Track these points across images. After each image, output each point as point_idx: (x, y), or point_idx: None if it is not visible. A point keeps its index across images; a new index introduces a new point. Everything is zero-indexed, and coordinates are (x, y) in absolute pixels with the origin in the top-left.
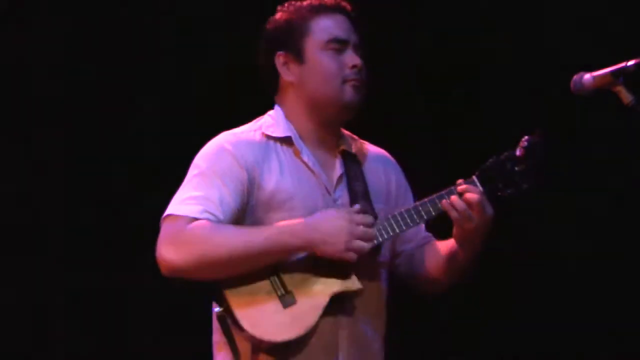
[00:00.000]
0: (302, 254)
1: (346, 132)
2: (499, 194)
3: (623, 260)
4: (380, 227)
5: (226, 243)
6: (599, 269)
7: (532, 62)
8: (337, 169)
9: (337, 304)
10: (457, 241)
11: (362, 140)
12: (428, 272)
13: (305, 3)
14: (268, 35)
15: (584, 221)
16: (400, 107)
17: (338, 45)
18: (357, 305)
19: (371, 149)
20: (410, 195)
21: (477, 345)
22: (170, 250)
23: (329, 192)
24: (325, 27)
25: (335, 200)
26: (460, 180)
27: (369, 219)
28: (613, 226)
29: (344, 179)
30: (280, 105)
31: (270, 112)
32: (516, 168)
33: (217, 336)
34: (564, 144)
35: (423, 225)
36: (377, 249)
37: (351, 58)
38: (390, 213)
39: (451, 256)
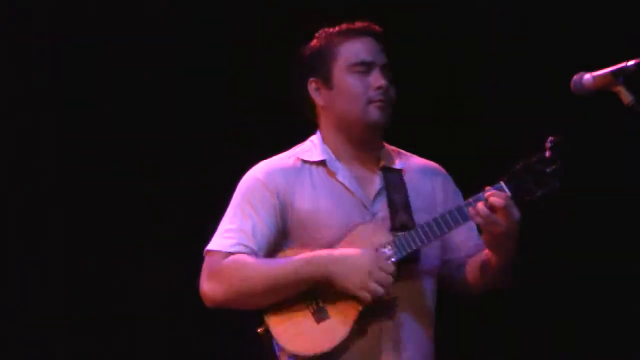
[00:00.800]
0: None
1: (391, 147)
2: (530, 196)
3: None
4: (409, 237)
5: (256, 277)
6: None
7: (532, 62)
8: (376, 184)
9: (376, 313)
10: (488, 246)
11: (409, 154)
12: (474, 280)
13: (336, 29)
14: (301, 62)
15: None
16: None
17: (363, 67)
18: (397, 313)
19: (417, 161)
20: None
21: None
22: (210, 286)
23: (366, 207)
24: (352, 50)
25: (374, 214)
26: (487, 187)
27: (390, 267)
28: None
29: (384, 193)
30: (320, 130)
31: (312, 137)
32: (547, 169)
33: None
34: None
35: (474, 233)
36: (413, 259)
37: (376, 79)
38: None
39: (485, 263)
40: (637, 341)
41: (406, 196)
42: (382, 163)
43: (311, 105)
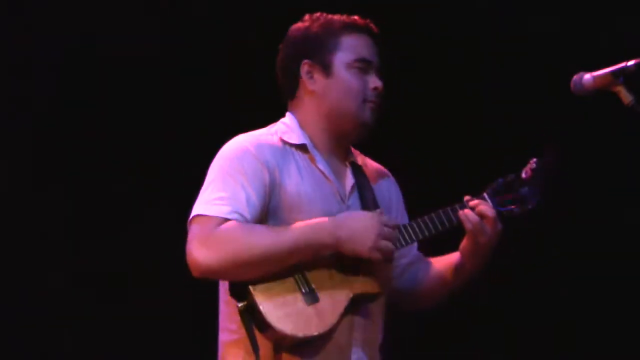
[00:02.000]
0: (327, 253)
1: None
2: (509, 213)
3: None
4: (407, 230)
5: (259, 243)
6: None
7: (532, 62)
8: (349, 178)
9: (354, 306)
10: (467, 254)
11: (363, 156)
12: (424, 288)
13: (336, 18)
14: (296, 42)
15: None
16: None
17: (363, 65)
18: (371, 309)
19: (373, 164)
20: (405, 213)
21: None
22: (203, 252)
23: (342, 200)
24: (354, 45)
25: (348, 207)
26: (467, 197)
27: (393, 221)
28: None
29: (357, 188)
30: (293, 112)
31: (284, 119)
32: (527, 190)
33: (226, 335)
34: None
35: (415, 243)
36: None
37: (374, 80)
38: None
39: (455, 270)
40: (637, 341)
41: (374, 195)
42: (351, 158)
43: (294, 85)
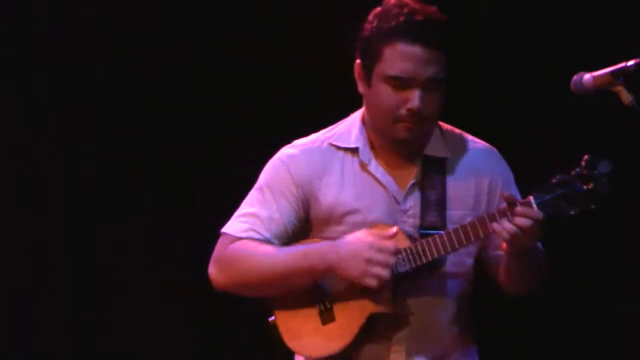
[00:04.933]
0: (326, 276)
1: (446, 127)
2: (561, 216)
3: None
4: (425, 247)
5: (257, 266)
6: None
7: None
8: (412, 176)
9: (388, 320)
10: (507, 255)
11: (465, 137)
12: (504, 280)
13: (393, 17)
14: (357, 39)
15: None
16: None
17: (400, 83)
18: (413, 321)
19: (470, 146)
20: (515, 192)
21: None
22: (213, 270)
23: (397, 203)
24: (394, 59)
25: (405, 211)
26: (509, 196)
27: (389, 246)
28: None
29: (418, 188)
30: (364, 108)
31: (356, 114)
32: (584, 187)
33: None
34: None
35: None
36: (437, 264)
37: (412, 99)
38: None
39: (507, 267)
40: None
41: (443, 192)
42: (425, 151)
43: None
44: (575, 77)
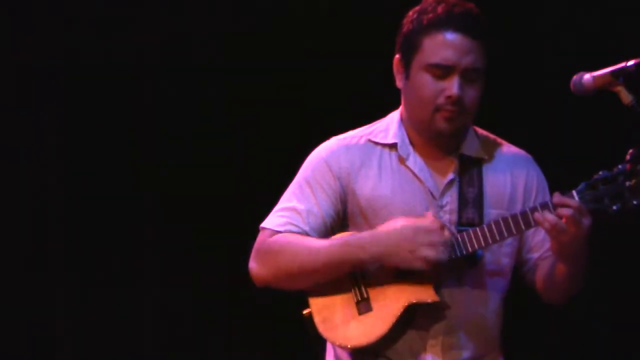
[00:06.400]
0: (369, 267)
1: (480, 131)
2: (604, 211)
3: None
4: (466, 238)
5: (297, 259)
6: None
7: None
8: (450, 173)
9: (426, 312)
10: (556, 255)
11: (499, 142)
12: (543, 285)
13: (430, 9)
14: (397, 34)
15: None
16: None
17: (440, 71)
18: (451, 316)
19: (505, 150)
20: (547, 196)
21: None
22: (254, 264)
23: (434, 198)
24: (434, 48)
25: (442, 207)
26: (557, 194)
27: (436, 225)
28: None
29: (456, 184)
30: (402, 106)
31: (394, 113)
32: (627, 183)
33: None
34: None
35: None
36: (475, 258)
37: (450, 86)
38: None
39: (554, 271)
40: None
41: (480, 190)
42: (462, 150)
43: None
44: (575, 77)
